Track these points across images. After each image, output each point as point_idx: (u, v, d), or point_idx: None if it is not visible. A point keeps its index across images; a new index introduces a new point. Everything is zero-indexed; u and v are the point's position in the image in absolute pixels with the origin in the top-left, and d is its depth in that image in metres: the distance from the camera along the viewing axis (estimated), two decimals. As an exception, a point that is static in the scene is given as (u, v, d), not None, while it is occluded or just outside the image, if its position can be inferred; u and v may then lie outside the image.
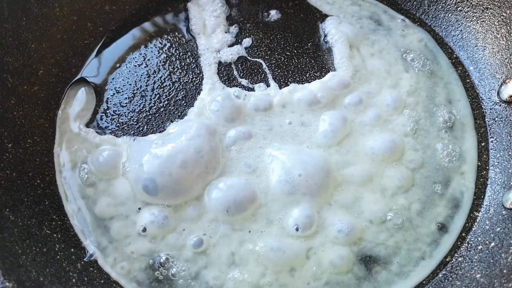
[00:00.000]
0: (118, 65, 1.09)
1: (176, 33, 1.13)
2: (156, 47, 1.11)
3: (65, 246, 0.90)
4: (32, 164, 0.96)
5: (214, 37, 1.13)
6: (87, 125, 1.03)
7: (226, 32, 1.14)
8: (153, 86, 1.07)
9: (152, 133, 1.02)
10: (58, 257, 0.88)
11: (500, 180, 0.96)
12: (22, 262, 0.83)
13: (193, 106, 1.04)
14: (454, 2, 1.10)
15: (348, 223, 0.92)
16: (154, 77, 1.08)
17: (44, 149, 0.99)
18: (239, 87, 1.06)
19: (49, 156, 0.99)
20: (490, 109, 1.03)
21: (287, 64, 1.10)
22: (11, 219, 0.87)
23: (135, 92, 1.06)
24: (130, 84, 1.07)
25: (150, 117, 1.04)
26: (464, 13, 1.10)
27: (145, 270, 0.90)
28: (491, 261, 0.84)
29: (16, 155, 0.95)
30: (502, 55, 1.02)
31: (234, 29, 1.14)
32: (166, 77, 1.08)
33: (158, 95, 1.06)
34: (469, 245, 0.91)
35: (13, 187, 0.91)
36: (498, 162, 0.98)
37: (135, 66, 1.09)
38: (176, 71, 1.09)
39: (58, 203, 0.96)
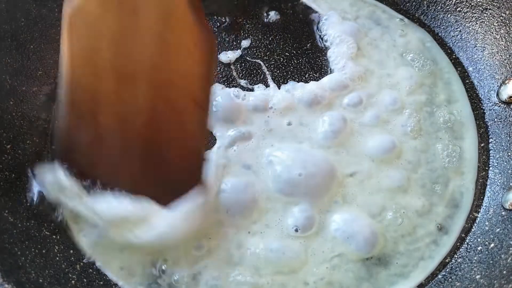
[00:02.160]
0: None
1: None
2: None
3: (64, 248, 0.90)
4: (31, 166, 0.96)
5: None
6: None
7: (225, 33, 1.14)
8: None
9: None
10: (57, 258, 0.88)
11: (499, 181, 0.96)
12: (22, 263, 0.83)
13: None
14: (453, 3, 1.11)
15: (348, 223, 0.92)
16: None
17: (42, 150, 0.99)
18: (238, 88, 1.06)
19: (48, 157, 0.99)
20: (490, 109, 1.03)
21: (286, 64, 1.10)
22: (10, 221, 0.87)
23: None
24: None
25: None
26: (463, 14, 1.10)
27: (145, 270, 0.90)
28: (491, 262, 0.84)
29: (15, 156, 0.94)
30: (501, 55, 1.03)
31: (233, 30, 1.14)
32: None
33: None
34: (469, 246, 0.91)
35: (12, 189, 0.91)
36: (497, 163, 0.98)
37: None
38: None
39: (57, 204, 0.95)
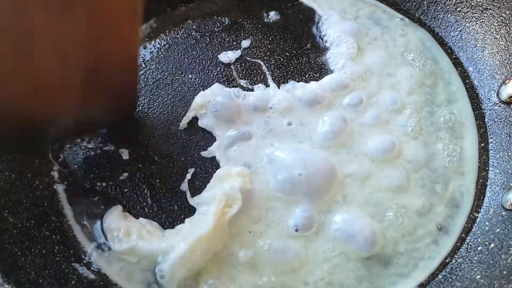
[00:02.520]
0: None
1: (175, 33, 1.13)
2: (155, 47, 1.11)
3: (64, 248, 0.90)
4: (31, 165, 0.96)
5: (214, 38, 1.13)
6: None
7: (225, 33, 1.14)
8: (152, 87, 1.07)
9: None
10: (57, 258, 0.88)
11: (499, 181, 0.96)
12: (22, 263, 0.83)
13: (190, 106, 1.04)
14: (453, 3, 1.10)
15: (348, 223, 0.92)
16: (153, 78, 1.08)
17: (42, 149, 0.99)
18: (239, 88, 1.06)
19: (47, 157, 0.99)
20: (490, 109, 1.03)
21: (286, 65, 1.10)
22: (10, 221, 0.87)
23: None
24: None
25: (149, 118, 1.03)
26: (463, 14, 1.10)
27: (145, 271, 0.90)
28: (491, 262, 0.84)
29: (15, 156, 0.94)
30: (501, 55, 1.02)
31: (233, 30, 1.14)
32: (165, 78, 1.08)
33: (158, 96, 1.06)
34: (469, 246, 0.91)
35: (12, 189, 0.91)
36: (497, 163, 0.98)
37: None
38: (175, 72, 1.08)
39: (57, 204, 0.95)
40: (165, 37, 1.13)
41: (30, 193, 0.93)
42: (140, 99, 1.05)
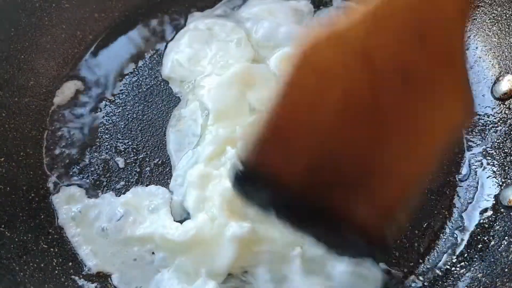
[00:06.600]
0: (109, 73, 1.08)
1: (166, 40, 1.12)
2: (148, 53, 1.10)
3: (63, 260, 0.89)
4: (26, 178, 0.95)
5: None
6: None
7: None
8: (145, 93, 1.06)
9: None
10: (56, 272, 0.87)
11: (497, 178, 0.95)
12: (20, 279, 0.82)
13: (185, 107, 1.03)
14: (445, 1, 1.10)
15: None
16: (146, 84, 1.07)
17: (37, 161, 0.98)
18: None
19: (42, 169, 0.98)
20: (484, 107, 1.03)
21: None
22: (7, 235, 0.86)
23: (126, 101, 1.05)
24: (123, 92, 1.06)
25: (144, 125, 1.03)
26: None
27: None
28: (492, 260, 0.85)
29: (9, 169, 0.93)
30: (494, 52, 1.02)
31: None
32: (159, 83, 1.07)
33: (152, 102, 1.05)
34: (469, 244, 0.91)
35: (7, 202, 0.90)
36: (494, 160, 0.98)
37: (127, 75, 1.08)
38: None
39: (53, 216, 0.94)
40: (156, 43, 1.12)
41: (26, 206, 0.92)
42: (135, 105, 1.04)
